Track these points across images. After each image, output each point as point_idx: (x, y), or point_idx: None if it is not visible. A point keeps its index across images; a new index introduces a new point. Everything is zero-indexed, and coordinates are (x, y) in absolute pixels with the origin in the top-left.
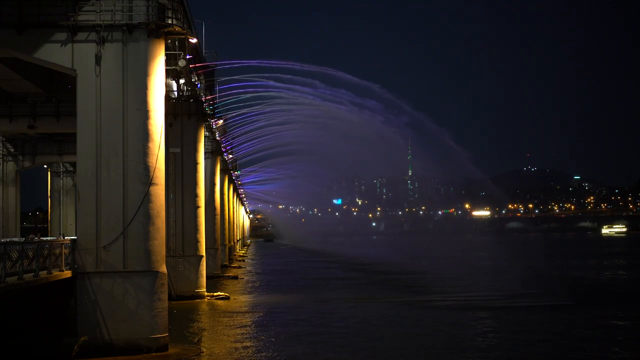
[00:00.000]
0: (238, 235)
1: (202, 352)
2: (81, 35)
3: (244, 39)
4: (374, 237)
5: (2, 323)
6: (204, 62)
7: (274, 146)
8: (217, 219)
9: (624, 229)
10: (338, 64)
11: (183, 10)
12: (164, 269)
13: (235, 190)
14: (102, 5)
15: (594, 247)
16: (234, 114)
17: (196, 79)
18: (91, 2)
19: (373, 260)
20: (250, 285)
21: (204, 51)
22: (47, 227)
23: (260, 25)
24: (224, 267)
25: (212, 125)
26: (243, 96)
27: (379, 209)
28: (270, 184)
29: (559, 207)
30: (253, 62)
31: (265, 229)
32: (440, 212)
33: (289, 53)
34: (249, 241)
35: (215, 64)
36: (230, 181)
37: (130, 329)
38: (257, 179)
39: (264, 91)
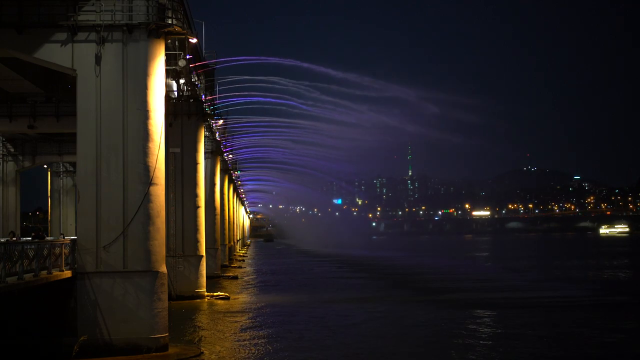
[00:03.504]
0: (238, 235)
1: (202, 352)
2: (81, 35)
3: (244, 40)
4: (374, 237)
5: (2, 323)
6: (204, 63)
7: (274, 145)
8: (217, 219)
9: (627, 229)
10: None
11: (183, 10)
12: (164, 269)
13: (235, 190)
14: (102, 5)
15: (610, 248)
16: (235, 114)
17: (196, 78)
18: (91, 2)
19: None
20: (250, 285)
21: (204, 51)
22: (47, 227)
23: (260, 26)
24: (224, 267)
25: (212, 125)
26: (245, 99)
27: (379, 209)
28: (270, 183)
29: (559, 207)
30: (253, 59)
31: (265, 229)
32: (440, 212)
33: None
34: (249, 241)
35: (216, 61)
36: (230, 181)
37: (130, 329)
38: (258, 180)
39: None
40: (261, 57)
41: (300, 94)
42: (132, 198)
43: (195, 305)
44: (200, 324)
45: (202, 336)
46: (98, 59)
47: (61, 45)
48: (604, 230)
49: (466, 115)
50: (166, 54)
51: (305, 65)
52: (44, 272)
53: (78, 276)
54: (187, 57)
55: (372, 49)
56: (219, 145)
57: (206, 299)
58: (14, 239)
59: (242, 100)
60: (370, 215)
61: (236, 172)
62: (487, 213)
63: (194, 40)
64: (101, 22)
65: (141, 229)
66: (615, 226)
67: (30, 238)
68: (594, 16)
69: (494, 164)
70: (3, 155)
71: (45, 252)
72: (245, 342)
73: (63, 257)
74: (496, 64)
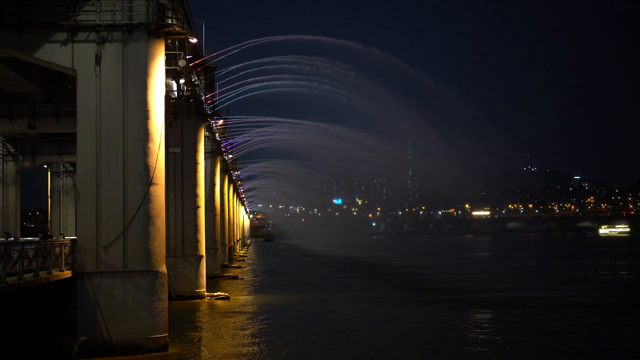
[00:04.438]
0: (238, 235)
1: (202, 352)
2: (81, 35)
3: (244, 40)
4: (374, 237)
5: (2, 323)
6: (204, 63)
7: (273, 143)
8: (217, 219)
9: (627, 229)
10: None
11: (183, 10)
12: (164, 269)
13: (235, 190)
14: (102, 5)
15: (610, 248)
16: (238, 106)
17: (196, 78)
18: (91, 2)
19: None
20: (250, 285)
21: (204, 51)
22: (48, 227)
23: (260, 26)
24: (224, 267)
25: (212, 125)
26: (251, 85)
27: (379, 209)
28: (268, 179)
29: (559, 207)
30: (257, 41)
31: (265, 229)
32: (440, 212)
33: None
34: (249, 241)
35: (217, 54)
36: (230, 181)
37: (130, 329)
38: (258, 176)
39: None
40: (265, 37)
41: (315, 72)
42: (132, 198)
43: (195, 305)
44: (200, 324)
45: (202, 336)
46: (98, 59)
47: (61, 45)
48: (603, 231)
49: (466, 115)
50: (166, 54)
51: (328, 39)
52: (44, 272)
53: (78, 276)
54: (187, 57)
55: (372, 49)
56: (219, 145)
57: (206, 299)
58: (10, 239)
59: (248, 87)
60: (370, 215)
61: (236, 172)
62: (487, 213)
63: (194, 40)
64: (101, 22)
65: (141, 229)
66: (616, 226)
67: (34, 238)
68: (594, 16)
69: (494, 164)
70: (3, 155)
71: (45, 252)
72: (245, 342)
73: (63, 257)
74: (496, 64)
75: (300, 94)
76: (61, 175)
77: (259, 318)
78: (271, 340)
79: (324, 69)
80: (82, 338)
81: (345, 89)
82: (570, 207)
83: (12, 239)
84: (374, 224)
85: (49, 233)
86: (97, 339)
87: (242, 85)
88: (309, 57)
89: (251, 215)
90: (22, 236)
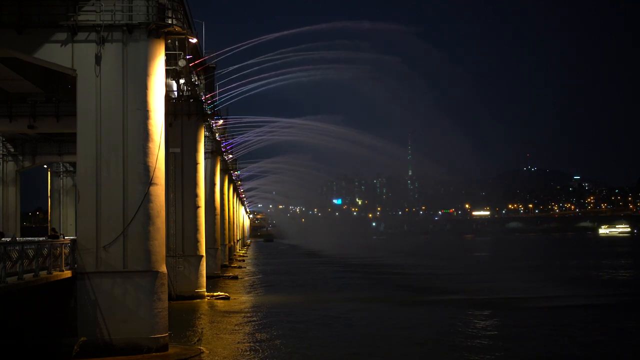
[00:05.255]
0: (238, 235)
1: (202, 352)
2: (81, 35)
3: (244, 40)
4: (374, 237)
5: (2, 323)
6: (204, 62)
7: (274, 142)
8: (217, 219)
9: (628, 229)
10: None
11: (183, 10)
12: (164, 269)
13: (235, 190)
14: (102, 5)
15: (610, 248)
16: (240, 105)
17: (196, 78)
18: (91, 2)
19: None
20: (250, 285)
21: (204, 51)
22: (48, 227)
23: (260, 26)
24: (224, 267)
25: (212, 125)
26: (253, 84)
27: (379, 209)
28: (268, 179)
29: (559, 207)
30: (256, 40)
31: (265, 229)
32: (440, 212)
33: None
34: (249, 241)
35: (216, 53)
36: (230, 181)
37: (130, 329)
38: (258, 176)
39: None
40: (265, 35)
41: (315, 68)
42: (132, 198)
43: (195, 305)
44: (200, 324)
45: (202, 336)
46: (98, 59)
47: (61, 45)
48: (603, 231)
49: (466, 115)
50: (166, 54)
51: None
52: (44, 272)
53: (78, 276)
54: (187, 57)
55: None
56: (219, 145)
57: (206, 299)
58: (4, 239)
59: (248, 87)
60: (370, 215)
61: (236, 172)
62: (487, 213)
63: (194, 40)
64: (101, 22)
65: (141, 229)
66: (617, 226)
67: (35, 238)
68: (594, 16)
69: (494, 164)
70: (3, 155)
71: (45, 252)
72: (245, 342)
73: (63, 257)
74: (496, 64)
75: (300, 93)
76: (61, 175)
77: (259, 318)
78: (271, 339)
79: (324, 67)
80: (82, 338)
81: (346, 88)
82: (570, 207)
83: (9, 239)
84: (374, 224)
85: (56, 233)
86: (97, 339)
87: (242, 85)
88: (312, 44)
89: (251, 215)
90: (23, 236)
